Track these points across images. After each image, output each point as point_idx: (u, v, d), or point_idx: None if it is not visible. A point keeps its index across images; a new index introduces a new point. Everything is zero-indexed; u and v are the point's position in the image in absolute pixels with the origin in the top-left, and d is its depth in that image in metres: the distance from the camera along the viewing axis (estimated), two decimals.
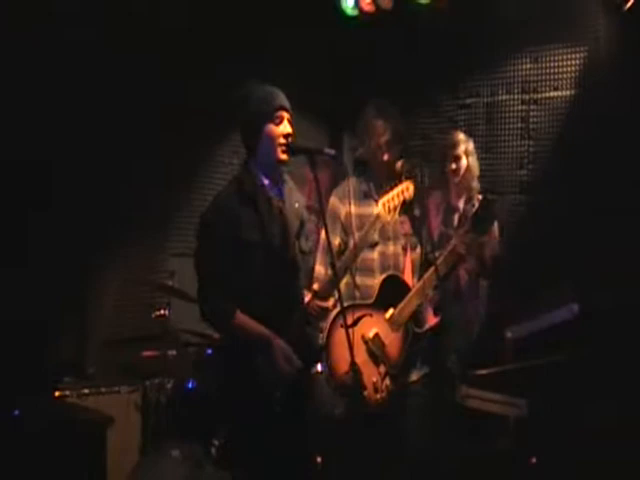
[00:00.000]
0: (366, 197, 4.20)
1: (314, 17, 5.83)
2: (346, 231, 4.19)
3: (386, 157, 4.15)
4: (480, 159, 4.73)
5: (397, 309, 4.02)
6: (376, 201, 3.90)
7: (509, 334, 4.44)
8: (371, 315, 4.03)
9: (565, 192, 5.01)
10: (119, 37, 4.83)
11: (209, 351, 4.82)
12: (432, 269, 3.90)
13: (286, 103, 3.47)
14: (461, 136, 4.66)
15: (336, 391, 3.96)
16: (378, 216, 3.75)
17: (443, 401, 4.24)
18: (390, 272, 4.10)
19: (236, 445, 3.53)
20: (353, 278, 4.15)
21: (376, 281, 4.09)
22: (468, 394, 4.24)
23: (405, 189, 3.79)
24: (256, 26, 5.61)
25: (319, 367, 4.08)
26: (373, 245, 4.12)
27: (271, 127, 3.41)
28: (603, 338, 4.23)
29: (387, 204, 3.73)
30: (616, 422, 3.99)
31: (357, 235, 3.92)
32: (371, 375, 3.96)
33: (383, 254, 4.17)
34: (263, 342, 3.32)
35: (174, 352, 4.80)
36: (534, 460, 4.10)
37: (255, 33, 5.60)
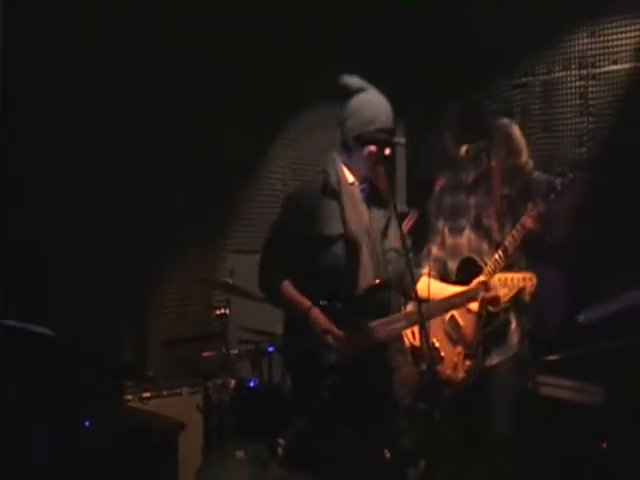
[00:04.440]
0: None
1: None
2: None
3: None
4: (537, 139, 4.58)
5: None
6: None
7: (582, 317, 4.30)
8: None
9: (628, 169, 4.83)
10: None
11: (270, 348, 4.80)
12: (502, 247, 3.83)
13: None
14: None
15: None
16: (486, 285, 3.70)
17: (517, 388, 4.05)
18: (467, 254, 4.02)
19: (302, 444, 3.50)
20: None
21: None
22: (541, 381, 4.19)
23: (528, 279, 3.64)
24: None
25: None
26: (461, 230, 4.11)
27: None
28: None
29: (504, 282, 3.64)
30: None
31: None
32: (452, 356, 3.95)
33: (469, 238, 4.10)
34: (300, 312, 3.30)
35: (235, 351, 4.79)
36: (605, 445, 4.02)
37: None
